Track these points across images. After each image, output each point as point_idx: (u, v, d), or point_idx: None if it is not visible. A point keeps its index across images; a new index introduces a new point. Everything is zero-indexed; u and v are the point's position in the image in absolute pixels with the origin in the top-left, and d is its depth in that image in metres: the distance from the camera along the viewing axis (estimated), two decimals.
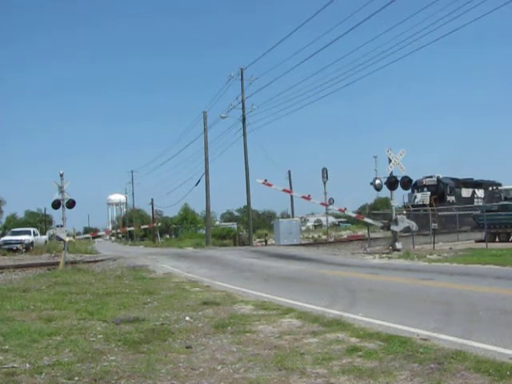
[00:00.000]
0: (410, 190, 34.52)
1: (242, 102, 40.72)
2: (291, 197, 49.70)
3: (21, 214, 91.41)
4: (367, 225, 29.57)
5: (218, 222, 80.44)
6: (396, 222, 22.25)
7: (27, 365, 5.54)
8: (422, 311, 8.19)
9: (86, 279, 14.76)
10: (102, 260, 24.47)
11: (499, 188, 40.44)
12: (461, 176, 43.80)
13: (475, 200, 42.05)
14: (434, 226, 25.08)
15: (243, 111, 40.53)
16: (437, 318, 7.42)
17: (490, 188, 43.78)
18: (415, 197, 39.62)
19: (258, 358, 5.62)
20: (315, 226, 79.98)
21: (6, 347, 6.31)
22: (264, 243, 41.40)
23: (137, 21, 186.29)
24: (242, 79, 40.62)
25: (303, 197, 28.05)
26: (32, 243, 35.49)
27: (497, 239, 25.06)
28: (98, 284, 13.49)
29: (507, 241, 24.65)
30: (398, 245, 22.16)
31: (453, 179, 41.73)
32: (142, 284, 13.28)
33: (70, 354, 6.00)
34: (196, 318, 8.09)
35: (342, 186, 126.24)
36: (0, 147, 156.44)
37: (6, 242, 34.59)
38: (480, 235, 26.33)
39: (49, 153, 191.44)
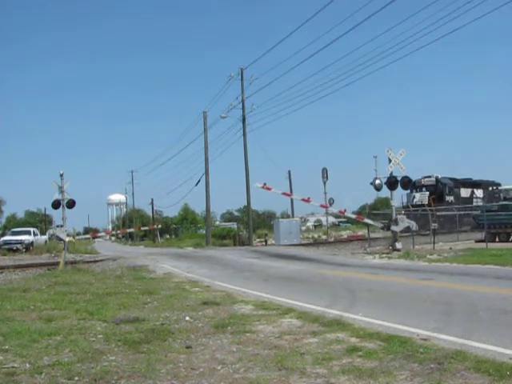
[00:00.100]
0: (408, 190, 34.49)
1: (242, 102, 40.75)
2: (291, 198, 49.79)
3: (21, 214, 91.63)
4: (367, 225, 29.58)
5: (218, 222, 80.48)
6: (396, 222, 22.25)
7: (27, 365, 5.54)
8: (422, 311, 8.19)
9: (86, 279, 14.76)
10: (101, 260, 24.47)
11: (499, 188, 40.48)
12: (460, 176, 43.82)
13: (474, 200, 41.99)
14: (434, 226, 25.06)
15: (243, 111, 40.55)
16: (437, 318, 7.42)
17: (490, 188, 43.78)
18: (414, 197, 39.55)
19: (257, 358, 5.61)
20: (315, 226, 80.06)
21: (6, 347, 6.31)
22: (264, 243, 41.40)
23: (137, 21, 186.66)
24: (241, 79, 40.65)
25: (303, 199, 28.07)
26: (32, 243, 35.50)
27: (497, 239, 25.06)
28: (98, 284, 13.49)
29: (507, 241, 24.65)
30: (398, 245, 22.16)
31: (451, 179, 41.67)
32: (142, 284, 13.28)
33: (70, 353, 6.00)
34: (196, 318, 8.09)
35: (342, 186, 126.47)
36: (0, 147, 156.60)
37: (6, 242, 34.60)
38: (480, 235, 26.33)
39: (49, 153, 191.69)
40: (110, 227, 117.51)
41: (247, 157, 40.06)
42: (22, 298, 10.67)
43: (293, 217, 51.06)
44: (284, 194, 31.64)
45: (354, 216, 32.83)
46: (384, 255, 20.73)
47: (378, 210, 40.00)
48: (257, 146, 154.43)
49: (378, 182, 22.88)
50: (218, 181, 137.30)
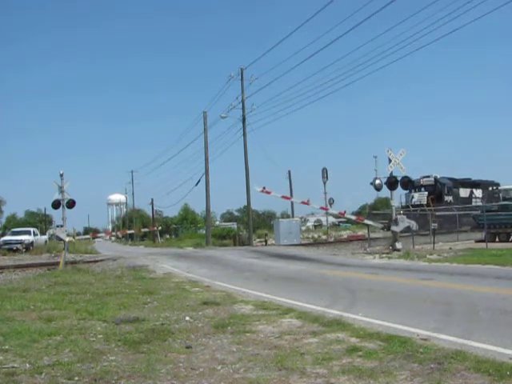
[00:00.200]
0: (407, 190, 34.46)
1: (242, 102, 40.75)
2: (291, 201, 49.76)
3: (21, 214, 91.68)
4: (367, 225, 29.58)
5: (218, 222, 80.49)
6: (396, 223, 22.25)
7: (27, 365, 5.54)
8: (422, 311, 8.19)
9: (86, 279, 14.76)
10: (101, 260, 24.47)
11: (499, 188, 40.45)
12: (459, 176, 43.75)
13: (473, 200, 41.91)
14: (434, 226, 25.05)
15: (243, 111, 40.54)
16: (437, 317, 7.42)
17: (490, 188, 43.74)
18: (412, 197, 39.46)
19: (257, 358, 5.61)
20: (315, 226, 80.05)
21: (6, 347, 6.31)
22: (264, 243, 41.40)
23: (137, 21, 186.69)
24: (241, 79, 40.64)
25: (302, 202, 28.16)
26: (32, 243, 35.51)
27: (497, 239, 25.06)
28: (98, 284, 13.50)
29: (507, 241, 24.65)
30: (398, 245, 22.16)
31: (450, 179, 41.58)
32: (142, 284, 13.28)
33: (70, 353, 6.00)
34: (196, 318, 8.09)
35: (342, 186, 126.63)
36: (0, 147, 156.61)
37: (6, 242, 34.61)
38: (480, 235, 26.33)
39: (49, 153, 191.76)
40: (110, 227, 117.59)
41: (247, 157, 40.11)
42: (21, 298, 10.67)
43: (293, 217, 51.09)
44: (283, 197, 31.63)
45: (354, 217, 32.84)
46: (384, 255, 20.73)
47: (378, 210, 40.00)
48: (257, 146, 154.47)
49: (377, 182, 22.89)
50: (217, 181, 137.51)
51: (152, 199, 72.60)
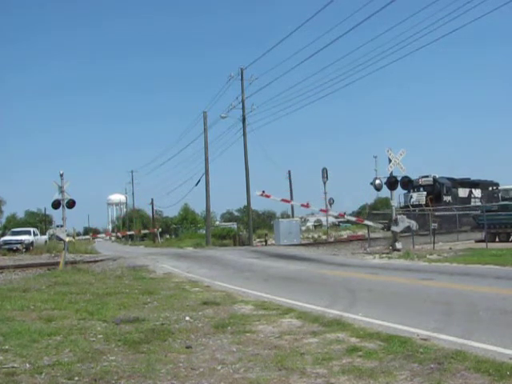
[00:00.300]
0: (406, 190, 34.42)
1: (242, 102, 40.74)
2: (291, 197, 49.81)
3: (21, 214, 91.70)
4: (367, 225, 29.58)
5: (218, 222, 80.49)
6: (396, 223, 22.25)
7: (27, 365, 5.54)
8: (422, 311, 8.19)
9: (86, 279, 14.76)
10: (101, 260, 24.46)
11: (498, 188, 40.43)
12: (458, 176, 43.69)
13: (472, 200, 41.84)
14: (434, 226, 25.06)
15: (243, 111, 40.54)
16: (437, 317, 7.42)
17: (490, 188, 43.71)
18: (411, 197, 39.42)
19: (257, 358, 5.62)
20: (315, 226, 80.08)
21: (6, 347, 6.31)
22: (264, 243, 41.39)
23: (137, 21, 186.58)
24: (241, 79, 40.64)
25: (302, 205, 28.18)
26: (32, 243, 35.50)
27: (497, 239, 25.06)
28: (98, 284, 13.50)
29: (507, 241, 24.65)
30: (398, 245, 22.16)
31: (449, 179, 41.50)
32: (142, 284, 13.29)
33: (70, 353, 6.00)
34: (196, 318, 8.09)
35: (342, 186, 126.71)
36: (0, 147, 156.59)
37: (6, 242, 34.60)
38: (480, 235, 26.33)
39: (49, 153, 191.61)
40: (110, 227, 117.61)
41: (247, 157, 40.11)
42: (21, 298, 10.67)
43: (293, 217, 51.06)
44: (283, 200, 31.72)
45: (353, 218, 32.83)
46: (384, 255, 20.73)
47: (378, 210, 39.97)
48: (257, 146, 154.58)
49: (378, 182, 22.89)
50: (217, 181, 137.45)
51: (152, 199, 72.70)
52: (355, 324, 7.15)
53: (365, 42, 36.76)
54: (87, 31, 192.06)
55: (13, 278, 16.21)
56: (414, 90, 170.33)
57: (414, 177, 32.20)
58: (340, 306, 8.77)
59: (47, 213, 75.83)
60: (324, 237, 46.08)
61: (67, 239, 22.83)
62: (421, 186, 39.87)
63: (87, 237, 55.74)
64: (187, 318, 8.07)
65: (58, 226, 34.89)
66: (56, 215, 75.51)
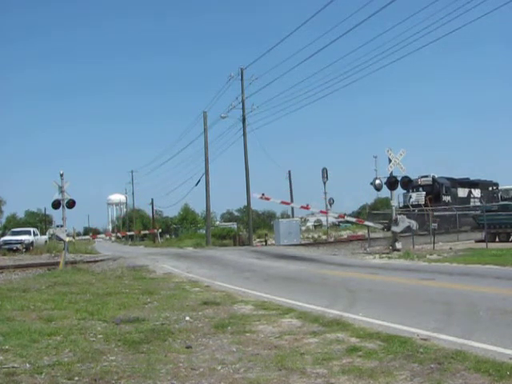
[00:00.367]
0: (405, 190, 34.40)
1: (242, 102, 40.73)
2: (291, 197, 49.82)
3: (21, 214, 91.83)
4: (367, 226, 29.57)
5: (218, 222, 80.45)
6: (396, 223, 22.25)
7: (27, 365, 5.54)
8: (422, 311, 8.19)
9: (86, 279, 14.77)
10: (102, 260, 24.47)
11: (498, 188, 40.41)
12: (458, 176, 43.65)
13: (472, 200, 41.78)
14: (434, 226, 25.07)
15: (243, 111, 40.53)
16: (437, 317, 7.42)
17: (490, 188, 43.68)
18: (410, 197, 39.39)
19: (257, 358, 5.62)
20: (315, 226, 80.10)
21: (6, 347, 6.31)
22: (264, 243, 41.39)
23: (137, 21, 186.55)
24: (242, 79, 40.63)
25: (302, 207, 28.18)
26: (32, 243, 35.51)
27: (497, 239, 25.06)
28: (98, 284, 13.50)
29: (507, 241, 24.65)
30: (398, 245, 22.17)
31: (448, 179, 41.44)
32: (142, 284, 13.29)
33: (69, 353, 6.00)
34: (196, 318, 8.09)
35: (342, 186, 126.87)
36: (0, 147, 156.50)
37: (6, 242, 34.62)
38: (480, 235, 26.33)
39: (49, 153, 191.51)
40: (110, 227, 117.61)
41: (247, 157, 40.09)
42: (21, 298, 10.67)
43: (293, 217, 51.01)
44: (283, 202, 31.73)
45: (354, 220, 32.80)
46: (384, 255, 20.73)
47: (378, 210, 39.93)
48: (257, 146, 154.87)
49: (378, 182, 22.89)
50: (217, 181, 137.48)
51: (152, 199, 72.76)
52: (355, 324, 7.15)
53: (365, 42, 36.98)
54: (87, 31, 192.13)
55: (13, 278, 16.22)
56: (414, 90, 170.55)
57: (413, 177, 32.22)
58: (340, 306, 8.77)
59: (47, 213, 76.04)
60: (324, 237, 46.08)
61: (67, 239, 22.85)
62: (420, 185, 39.81)
63: (87, 237, 55.77)
64: (187, 318, 8.07)
65: (58, 226, 34.88)
66: (56, 215, 75.55)
